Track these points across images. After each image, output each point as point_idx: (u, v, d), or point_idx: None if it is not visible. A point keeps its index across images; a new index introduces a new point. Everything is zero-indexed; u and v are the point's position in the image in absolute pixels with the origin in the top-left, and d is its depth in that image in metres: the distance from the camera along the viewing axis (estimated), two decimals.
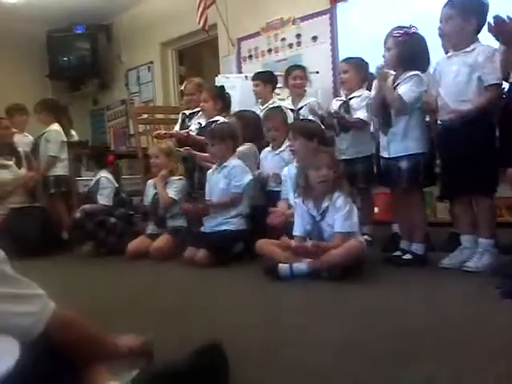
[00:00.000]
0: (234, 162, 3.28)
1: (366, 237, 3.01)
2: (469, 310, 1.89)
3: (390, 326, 1.73)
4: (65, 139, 4.50)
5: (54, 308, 1.01)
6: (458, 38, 2.51)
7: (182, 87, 4.54)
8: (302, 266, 2.52)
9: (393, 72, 2.76)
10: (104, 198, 3.84)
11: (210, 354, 1.30)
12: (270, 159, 3.46)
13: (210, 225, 3.27)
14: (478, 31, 2.52)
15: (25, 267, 1.03)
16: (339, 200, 2.57)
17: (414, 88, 2.63)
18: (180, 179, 3.71)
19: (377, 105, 2.82)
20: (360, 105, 3.28)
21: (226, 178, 3.26)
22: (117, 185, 3.97)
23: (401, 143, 2.70)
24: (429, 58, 2.72)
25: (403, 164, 2.69)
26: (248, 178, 3.25)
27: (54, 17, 6.43)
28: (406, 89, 2.63)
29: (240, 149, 3.48)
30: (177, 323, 1.91)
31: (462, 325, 1.72)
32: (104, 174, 3.94)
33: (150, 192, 3.77)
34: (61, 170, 4.47)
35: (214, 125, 3.60)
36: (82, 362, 1.05)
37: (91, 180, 4.06)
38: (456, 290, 2.20)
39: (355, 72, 3.35)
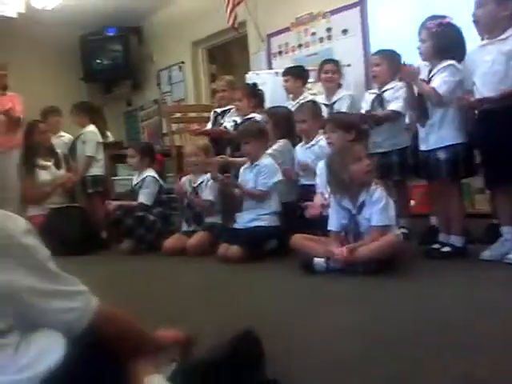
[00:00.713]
0: (265, 161, 3.30)
1: (402, 230, 2.96)
2: (507, 302, 1.84)
3: (428, 320, 1.71)
4: (101, 140, 4.61)
5: (98, 304, 1.03)
6: (493, 24, 2.44)
7: (215, 85, 4.58)
8: (337, 260, 2.50)
9: (424, 64, 2.71)
10: (145, 197, 3.89)
11: (245, 341, 1.31)
12: (301, 154, 3.45)
13: (242, 221, 3.29)
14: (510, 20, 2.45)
15: (65, 265, 1.06)
16: (376, 193, 2.54)
17: (448, 78, 2.58)
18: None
19: (411, 98, 2.78)
20: (393, 96, 3.23)
21: (256, 176, 3.28)
22: (163, 184, 4.02)
23: (438, 134, 2.65)
24: (465, 48, 2.66)
25: (441, 155, 2.64)
26: (277, 177, 3.26)
27: (87, 21, 6.56)
28: (440, 81, 2.57)
29: (275, 146, 3.48)
30: (212, 315, 1.93)
31: (503, 319, 1.67)
32: (151, 173, 3.99)
33: (185, 189, 3.78)
34: (97, 170, 4.58)
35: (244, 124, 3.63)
36: (126, 357, 1.08)
37: (128, 179, 4.13)
38: (497, 283, 2.15)
39: (388, 65, 3.30)
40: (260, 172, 3.27)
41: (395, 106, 3.20)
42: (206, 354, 1.24)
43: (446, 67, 2.59)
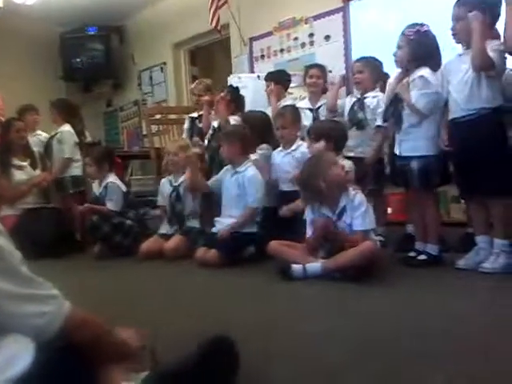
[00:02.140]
0: (249, 171, 3.25)
1: (379, 237, 2.98)
2: (486, 311, 1.87)
3: (405, 327, 1.72)
4: (77, 140, 4.53)
5: (70, 308, 1.01)
6: (469, 36, 2.47)
7: (192, 86, 4.56)
8: (315, 266, 2.50)
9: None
10: (113, 204, 3.82)
11: (218, 346, 1.29)
12: (280, 159, 3.43)
13: (221, 226, 3.26)
14: (491, 27, 2.50)
15: (38, 268, 1.04)
16: (357, 197, 2.56)
17: (424, 91, 2.60)
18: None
19: (388, 103, 2.81)
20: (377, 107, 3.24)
21: (240, 186, 3.25)
22: (124, 189, 3.95)
23: (412, 143, 2.68)
24: (440, 57, 2.70)
25: (414, 165, 2.67)
26: (261, 191, 3.23)
27: (67, 18, 6.48)
28: (417, 96, 2.60)
29: (260, 152, 3.47)
30: (187, 320, 1.91)
31: (479, 326, 1.69)
32: (111, 179, 3.92)
33: (165, 190, 3.75)
34: (77, 170, 4.49)
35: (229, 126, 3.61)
36: (97, 363, 1.06)
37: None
38: (472, 291, 2.18)
39: (370, 72, 3.33)
40: (245, 185, 3.22)
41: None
42: (178, 360, 1.22)
43: (419, 79, 2.62)
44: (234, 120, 3.76)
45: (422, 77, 2.61)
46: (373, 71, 3.33)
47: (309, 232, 2.67)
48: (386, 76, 3.55)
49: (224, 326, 1.73)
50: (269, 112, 3.82)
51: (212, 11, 5.28)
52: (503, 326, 1.69)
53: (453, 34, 2.59)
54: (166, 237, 3.60)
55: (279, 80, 4.08)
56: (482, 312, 1.86)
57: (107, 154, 4.17)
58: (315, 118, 3.66)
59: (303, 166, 2.74)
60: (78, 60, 6.99)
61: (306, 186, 2.65)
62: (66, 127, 4.50)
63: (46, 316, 0.97)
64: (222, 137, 3.37)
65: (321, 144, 2.94)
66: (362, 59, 3.49)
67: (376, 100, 3.27)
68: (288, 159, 3.37)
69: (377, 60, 3.41)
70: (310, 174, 2.60)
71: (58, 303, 1.00)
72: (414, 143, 2.67)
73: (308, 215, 2.71)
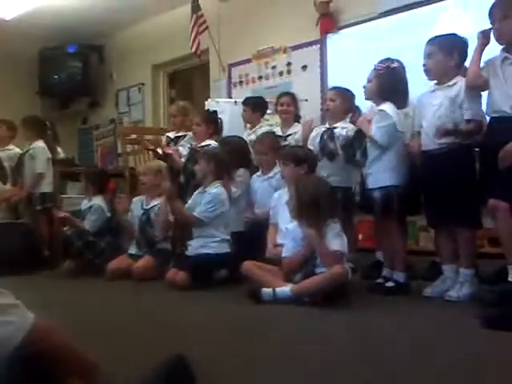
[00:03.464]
0: (215, 188, 3.22)
1: (349, 264, 3.01)
2: (447, 340, 1.89)
3: (368, 354, 1.73)
4: (50, 156, 4.48)
5: (34, 318, 1.00)
6: (441, 72, 2.60)
7: (169, 109, 4.62)
8: (285, 290, 2.51)
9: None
10: (89, 223, 3.81)
11: (175, 366, 1.29)
12: (258, 185, 3.46)
13: (192, 248, 3.23)
14: (460, 66, 2.62)
15: (3, 283, 1.02)
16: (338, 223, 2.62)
17: (381, 124, 2.69)
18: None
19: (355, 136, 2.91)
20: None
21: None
22: (109, 215, 3.92)
23: (374, 176, 2.77)
24: (407, 94, 2.81)
25: (376, 194, 2.74)
26: (220, 209, 3.18)
27: (48, 35, 6.48)
28: (375, 129, 2.70)
29: (238, 178, 3.49)
30: (149, 343, 1.88)
31: (438, 354, 1.71)
32: (98, 202, 3.90)
33: (137, 211, 3.73)
34: (47, 187, 4.44)
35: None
36: (61, 376, 1.04)
37: (77, 198, 4.04)
38: (436, 319, 2.21)
39: (342, 101, 3.38)
40: (204, 198, 3.21)
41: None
42: (136, 380, 1.21)
43: (378, 113, 2.72)
44: (213, 144, 3.80)
45: (381, 110, 2.72)
46: (344, 101, 3.39)
47: (286, 251, 2.68)
48: (358, 109, 3.66)
49: (181, 345, 1.73)
50: (245, 137, 3.87)
51: (193, 36, 5.37)
52: (459, 354, 1.71)
53: (425, 70, 2.68)
54: (135, 257, 3.56)
55: (257, 106, 4.15)
56: (441, 340, 1.89)
57: (100, 175, 4.23)
58: (283, 146, 3.65)
59: (305, 196, 2.65)
60: (56, 77, 6.97)
61: (305, 218, 2.64)
62: (39, 143, 4.46)
63: (9, 326, 0.95)
64: (202, 155, 3.38)
65: (303, 168, 2.98)
66: (336, 88, 3.58)
67: (345, 131, 3.30)
68: (264, 185, 3.41)
69: (349, 91, 3.49)
70: (313, 210, 2.59)
71: (20, 313, 0.99)
72: (377, 176, 2.76)
73: (289, 235, 2.74)
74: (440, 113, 2.57)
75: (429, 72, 2.67)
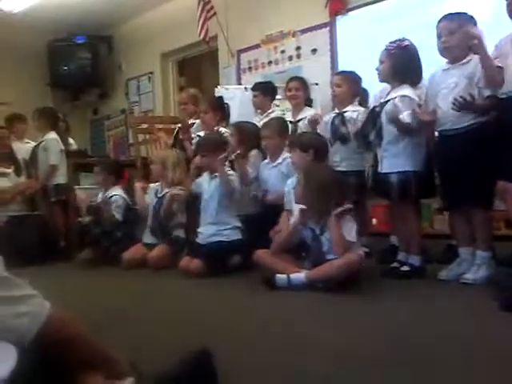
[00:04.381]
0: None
1: (364, 248, 3.00)
2: (466, 323, 1.88)
3: (387, 339, 1.72)
4: (63, 147, 4.51)
5: (50, 308, 1.00)
6: (460, 51, 2.52)
7: (178, 97, 4.60)
8: (299, 276, 2.51)
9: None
10: (118, 214, 3.84)
11: (198, 360, 1.29)
12: (267, 172, 3.43)
13: (203, 236, 3.24)
14: None
15: (21, 275, 1.03)
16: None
17: (411, 111, 2.61)
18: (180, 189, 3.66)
19: (368, 118, 2.86)
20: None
21: (217, 188, 3.23)
22: (130, 202, 3.95)
23: (391, 160, 2.72)
24: (421, 71, 2.75)
25: (393, 178, 2.70)
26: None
27: (56, 27, 6.48)
28: (407, 115, 2.59)
29: (252, 160, 3.48)
30: (169, 331, 1.90)
31: (459, 338, 1.70)
32: (118, 192, 3.94)
33: (151, 199, 3.74)
34: (60, 178, 4.47)
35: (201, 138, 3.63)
36: (77, 368, 1.05)
37: (91, 188, 4.07)
38: (453, 303, 2.19)
39: (348, 86, 3.34)
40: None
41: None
42: (159, 372, 1.21)
43: (403, 99, 2.64)
44: (224, 131, 3.78)
45: (404, 96, 2.64)
46: (351, 86, 3.35)
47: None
48: (365, 92, 3.61)
49: (206, 338, 1.74)
50: (256, 122, 3.85)
51: (201, 23, 5.33)
52: (480, 338, 1.70)
53: (444, 48, 2.59)
54: (150, 246, 3.58)
55: (266, 91, 4.11)
56: (460, 324, 1.87)
57: (115, 165, 4.28)
58: (293, 131, 3.63)
59: (314, 185, 2.64)
60: (66, 68, 6.98)
61: (313, 207, 2.63)
62: (52, 135, 4.48)
63: (26, 316, 0.96)
64: (203, 147, 3.37)
65: (309, 155, 2.96)
66: (341, 73, 3.53)
67: (356, 114, 3.27)
68: (274, 173, 3.38)
69: (356, 74, 3.44)
70: (322, 198, 2.59)
71: (37, 303, 1.00)
72: (393, 160, 2.71)
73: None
74: (457, 92, 2.50)
75: (449, 49, 2.56)
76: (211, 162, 3.25)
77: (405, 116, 2.59)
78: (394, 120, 2.60)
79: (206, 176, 3.36)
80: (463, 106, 2.43)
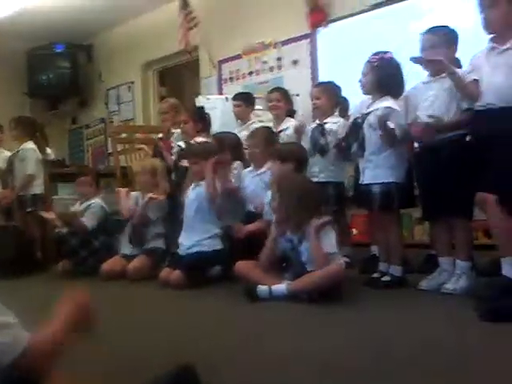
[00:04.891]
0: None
1: (345, 259, 2.99)
2: (449, 333, 1.88)
3: (372, 350, 1.71)
4: (40, 157, 4.43)
5: (27, 340, 0.95)
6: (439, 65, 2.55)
7: (159, 107, 4.57)
8: (281, 288, 2.49)
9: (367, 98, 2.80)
10: (88, 220, 3.78)
11: (183, 377, 1.26)
12: (249, 180, 3.42)
13: (183, 247, 3.20)
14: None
15: None
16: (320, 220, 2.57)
17: (399, 123, 2.64)
18: (160, 198, 3.63)
19: (351, 129, 2.86)
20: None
21: (199, 197, 3.21)
22: (109, 211, 3.92)
23: (373, 171, 2.73)
24: (403, 84, 2.78)
25: (376, 189, 2.71)
26: None
27: (35, 35, 6.40)
28: (394, 125, 2.62)
29: (235, 172, 3.46)
30: (146, 346, 1.85)
31: (442, 349, 1.70)
32: (98, 200, 3.92)
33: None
34: (37, 188, 4.39)
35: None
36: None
37: (68, 199, 4.00)
38: (435, 313, 2.19)
39: (327, 97, 3.36)
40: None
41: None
42: None
43: (386, 110, 2.65)
44: (202, 140, 3.75)
45: (388, 108, 2.66)
46: (330, 97, 3.37)
47: None
48: (345, 101, 3.64)
49: (186, 350, 1.70)
50: (237, 133, 3.83)
51: (182, 33, 5.33)
52: (459, 349, 1.70)
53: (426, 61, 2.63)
54: (129, 257, 3.52)
55: (248, 101, 4.12)
56: (440, 334, 1.87)
57: (97, 176, 4.28)
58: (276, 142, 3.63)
59: (290, 195, 2.62)
60: (44, 77, 6.89)
61: (290, 217, 2.61)
62: (29, 144, 4.40)
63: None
64: (194, 154, 3.34)
65: (289, 166, 2.95)
66: (320, 85, 3.56)
67: (336, 126, 3.29)
68: (256, 181, 3.36)
69: (334, 85, 3.47)
70: (299, 209, 2.57)
71: (14, 333, 0.94)
72: (376, 171, 2.72)
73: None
74: (437, 104, 2.55)
75: (427, 63, 2.59)
76: (202, 169, 3.22)
77: (389, 123, 2.60)
78: (382, 125, 2.61)
79: (191, 186, 3.32)
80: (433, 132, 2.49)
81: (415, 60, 2.54)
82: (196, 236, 3.17)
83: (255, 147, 3.37)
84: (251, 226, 3.07)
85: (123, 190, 3.77)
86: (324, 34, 4.93)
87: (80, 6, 5.80)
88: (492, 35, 2.44)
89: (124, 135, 5.18)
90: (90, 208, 3.85)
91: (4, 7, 5.63)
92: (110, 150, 6.27)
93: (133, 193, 3.77)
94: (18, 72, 6.82)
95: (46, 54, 6.87)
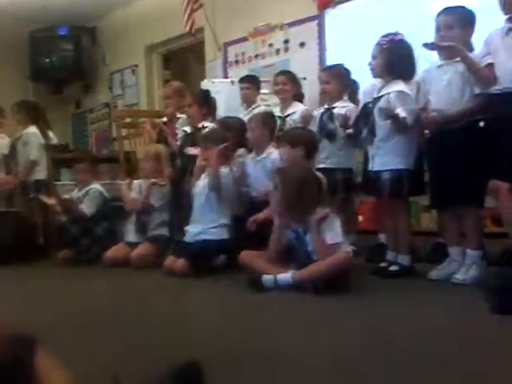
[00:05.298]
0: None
1: (352, 247, 2.93)
2: (457, 325, 1.83)
3: (377, 341, 1.66)
4: (43, 142, 4.37)
5: None
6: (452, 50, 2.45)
7: (162, 91, 4.49)
8: (286, 277, 2.44)
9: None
10: (87, 208, 3.72)
11: (187, 375, 1.21)
12: (252, 166, 3.34)
13: (190, 234, 3.16)
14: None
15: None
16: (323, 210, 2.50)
17: (409, 107, 2.56)
18: (163, 185, 3.59)
19: (361, 114, 2.78)
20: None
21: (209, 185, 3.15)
22: (108, 197, 3.86)
23: (383, 158, 2.66)
24: (415, 66, 2.69)
25: (385, 176, 2.64)
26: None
27: (38, 17, 6.31)
28: (402, 110, 2.52)
29: (240, 159, 3.39)
30: (150, 338, 1.80)
31: (449, 340, 1.65)
32: (96, 186, 3.85)
33: (135, 195, 3.63)
34: (40, 174, 4.34)
35: (205, 130, 3.51)
36: None
37: (71, 185, 3.96)
38: (444, 304, 2.13)
39: (336, 82, 3.28)
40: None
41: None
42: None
43: (399, 94, 2.57)
44: (210, 126, 3.67)
45: (400, 91, 2.58)
46: (339, 81, 3.28)
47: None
48: (355, 84, 3.54)
49: (190, 345, 1.66)
50: (243, 117, 3.75)
51: (187, 15, 5.21)
52: (471, 340, 1.65)
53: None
54: (133, 245, 3.48)
55: (256, 84, 4.05)
56: (451, 326, 1.82)
57: (94, 161, 4.16)
58: (281, 126, 3.54)
59: (290, 186, 2.52)
60: (47, 60, 6.80)
61: (292, 208, 2.54)
62: (32, 129, 4.34)
63: None
64: (207, 139, 3.27)
65: (299, 151, 2.88)
66: (328, 69, 3.47)
67: (345, 110, 3.21)
68: (259, 168, 3.29)
69: (343, 68, 3.38)
70: (299, 201, 2.49)
71: None
72: (386, 158, 2.65)
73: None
74: (451, 88, 2.47)
75: (442, 49, 2.51)
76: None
77: (400, 111, 2.52)
78: (389, 117, 2.53)
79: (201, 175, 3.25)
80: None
81: (427, 46, 2.44)
82: (203, 224, 3.12)
83: (253, 130, 3.28)
84: (261, 215, 3.00)
85: (123, 184, 3.71)
86: (332, 15, 4.83)
87: None
88: (509, 15, 2.35)
89: (128, 120, 5.11)
90: (88, 194, 3.79)
91: None
92: (114, 135, 6.20)
93: (135, 181, 3.70)
94: (21, 55, 6.74)
95: (48, 36, 6.77)
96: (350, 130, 3.08)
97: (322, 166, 3.14)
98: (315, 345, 1.66)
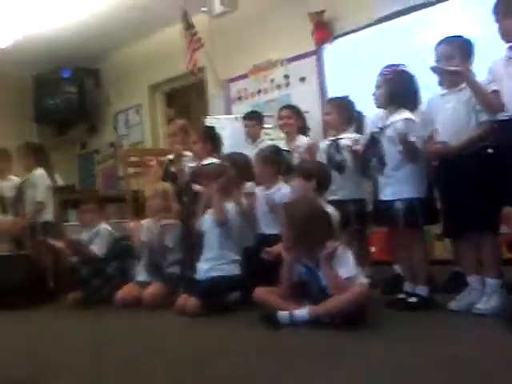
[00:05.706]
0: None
1: (367, 279, 2.88)
2: (483, 358, 1.76)
3: (402, 379, 1.60)
4: (50, 184, 4.38)
5: None
6: (457, 76, 2.47)
7: (167, 129, 4.53)
8: (302, 313, 2.39)
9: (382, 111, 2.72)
10: (97, 248, 3.70)
11: None
12: (260, 200, 3.31)
13: (201, 272, 3.12)
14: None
15: (7, 320, 0.91)
16: (339, 248, 2.46)
17: (416, 134, 2.56)
18: (174, 224, 3.56)
19: (369, 144, 2.78)
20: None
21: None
22: (116, 236, 3.85)
23: (395, 187, 2.64)
24: (418, 95, 2.72)
25: (398, 205, 2.61)
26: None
27: (41, 61, 6.42)
28: (415, 137, 2.53)
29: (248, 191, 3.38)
30: (160, 378, 1.76)
31: (476, 375, 1.59)
32: (105, 226, 3.86)
33: (144, 235, 3.57)
34: (48, 215, 4.33)
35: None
36: None
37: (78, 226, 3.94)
38: (467, 336, 2.08)
39: (338, 113, 3.29)
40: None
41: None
42: None
43: (405, 122, 2.58)
44: (213, 161, 3.68)
45: (409, 119, 2.59)
46: (341, 112, 3.29)
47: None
48: (360, 115, 3.56)
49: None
50: (248, 153, 3.76)
51: (188, 54, 5.31)
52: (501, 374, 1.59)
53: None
54: (144, 284, 3.43)
55: (260, 120, 4.09)
56: (478, 358, 1.76)
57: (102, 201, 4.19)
58: (288, 160, 3.54)
59: (296, 222, 2.51)
60: (52, 102, 6.88)
61: (299, 243, 2.51)
62: (39, 170, 4.36)
63: None
64: (207, 176, 3.27)
65: (312, 184, 2.87)
66: (331, 100, 3.49)
67: (351, 141, 3.20)
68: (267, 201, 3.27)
69: (346, 100, 3.39)
70: (306, 235, 2.47)
71: None
72: (398, 186, 2.63)
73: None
74: (455, 117, 2.48)
75: (448, 74, 2.52)
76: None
77: (411, 138, 2.52)
78: (403, 141, 2.52)
79: (209, 211, 3.24)
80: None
81: (434, 70, 2.47)
82: (215, 261, 3.09)
83: (259, 166, 3.28)
84: (276, 248, 2.95)
85: (132, 225, 3.69)
86: (330, 49, 4.90)
87: (84, 30, 5.81)
88: (510, 44, 2.38)
89: (134, 158, 5.13)
90: (98, 234, 3.77)
91: (9, 35, 5.64)
92: (120, 174, 6.22)
93: (144, 222, 3.68)
94: (25, 98, 6.83)
95: (52, 79, 6.87)
96: (359, 146, 3.07)
97: (333, 197, 3.12)
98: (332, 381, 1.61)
